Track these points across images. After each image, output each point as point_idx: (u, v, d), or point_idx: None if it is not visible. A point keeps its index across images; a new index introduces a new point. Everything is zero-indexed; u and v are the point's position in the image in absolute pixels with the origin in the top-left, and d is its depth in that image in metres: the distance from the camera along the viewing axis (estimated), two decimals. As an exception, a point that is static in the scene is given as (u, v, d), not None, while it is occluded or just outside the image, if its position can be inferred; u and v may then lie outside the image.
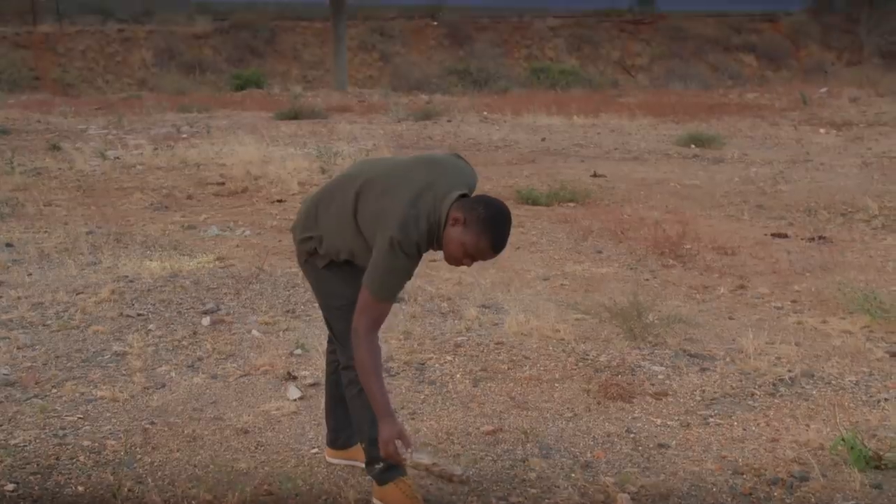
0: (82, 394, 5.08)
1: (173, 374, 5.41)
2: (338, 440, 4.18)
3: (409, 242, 3.37)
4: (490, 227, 3.35)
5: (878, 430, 4.55)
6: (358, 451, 4.00)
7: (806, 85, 28.51)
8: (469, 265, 3.47)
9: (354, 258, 3.63)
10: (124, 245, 8.58)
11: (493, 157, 13.92)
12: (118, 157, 14.04)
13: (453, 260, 3.46)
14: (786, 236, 9.20)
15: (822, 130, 17.79)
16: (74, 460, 4.25)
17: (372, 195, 3.50)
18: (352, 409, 3.85)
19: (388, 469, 3.74)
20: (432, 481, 4.01)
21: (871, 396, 5.03)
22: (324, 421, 4.31)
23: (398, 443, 3.49)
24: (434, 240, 3.44)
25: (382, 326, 3.55)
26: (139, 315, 6.46)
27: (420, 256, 3.45)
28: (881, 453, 4.11)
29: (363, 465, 3.93)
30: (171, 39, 38.93)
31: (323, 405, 4.33)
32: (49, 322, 6.27)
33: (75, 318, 6.36)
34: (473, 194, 3.55)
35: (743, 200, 11.08)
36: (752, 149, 15.64)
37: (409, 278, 3.47)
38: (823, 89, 25.47)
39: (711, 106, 22.34)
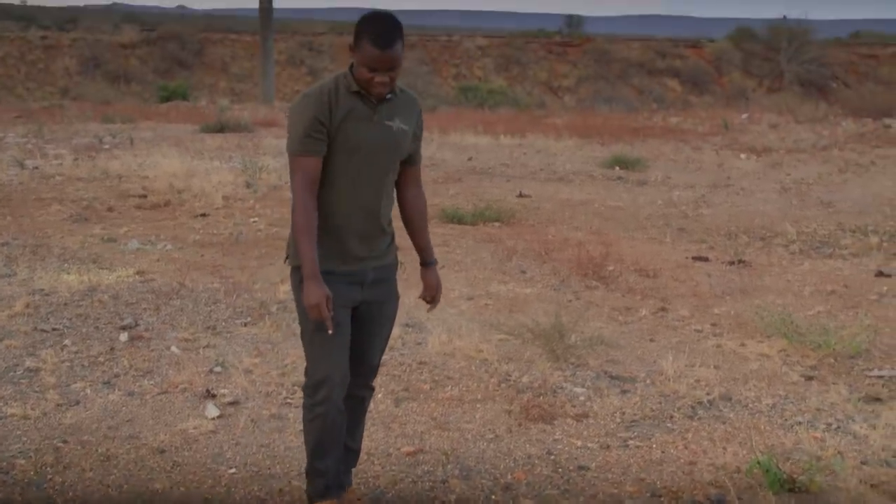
0: (-8, 411, 4.95)
1: (88, 390, 5.29)
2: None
3: (304, 96, 3.49)
4: (364, 27, 3.40)
5: (793, 453, 4.63)
6: None
7: (728, 110, 29.04)
8: (383, 80, 3.44)
9: None
10: (41, 257, 8.39)
11: (419, 174, 13.81)
12: (37, 167, 13.75)
13: (368, 85, 3.46)
14: (706, 259, 9.33)
15: (742, 156, 18.11)
16: (-18, 480, 4.13)
17: None
18: (304, 432, 3.82)
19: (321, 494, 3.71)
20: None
21: (786, 420, 5.11)
22: (242, 440, 4.25)
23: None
24: (337, 91, 3.48)
25: None
26: (54, 329, 6.32)
27: (319, 107, 3.45)
28: (795, 476, 4.17)
29: None
30: (96, 48, 38.37)
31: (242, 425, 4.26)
32: (-40, 336, 6.10)
33: (-13, 332, 6.20)
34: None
35: (665, 223, 11.23)
36: (675, 172, 15.87)
37: (308, 125, 3.44)
38: (745, 115, 25.95)
39: (636, 129, 22.64)
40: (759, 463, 4.24)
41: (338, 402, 3.65)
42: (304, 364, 3.68)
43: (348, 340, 3.64)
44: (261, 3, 32.84)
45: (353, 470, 4.02)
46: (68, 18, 47.53)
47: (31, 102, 28.82)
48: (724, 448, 4.68)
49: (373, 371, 3.89)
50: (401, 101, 3.62)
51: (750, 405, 5.32)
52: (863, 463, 4.52)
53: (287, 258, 3.69)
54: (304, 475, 3.84)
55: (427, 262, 3.92)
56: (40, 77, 36.77)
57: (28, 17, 44.52)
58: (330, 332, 3.47)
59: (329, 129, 3.46)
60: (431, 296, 3.93)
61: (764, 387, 5.63)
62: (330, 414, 3.65)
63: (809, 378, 5.82)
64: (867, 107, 27.03)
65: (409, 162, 3.73)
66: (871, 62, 46.83)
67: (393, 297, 3.82)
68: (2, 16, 41.82)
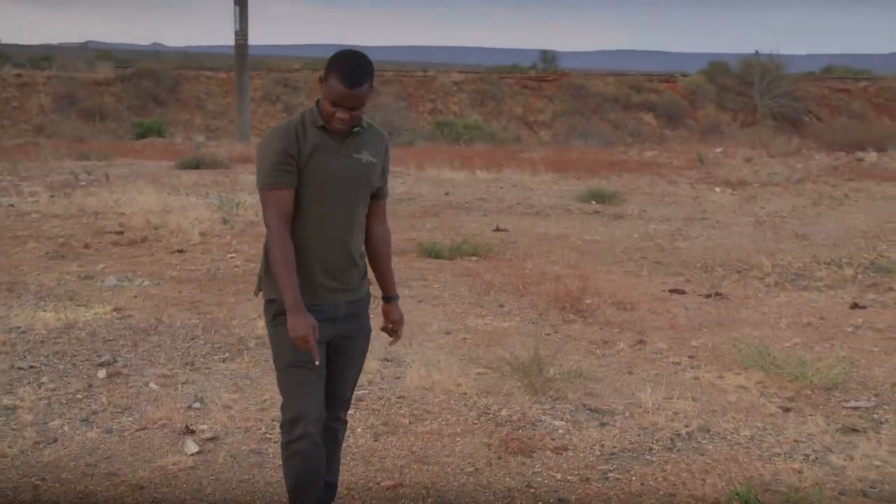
0: (-31, 449, 4.91)
1: (66, 428, 5.26)
2: None
3: (271, 132, 3.56)
4: (335, 64, 3.48)
5: (771, 484, 4.65)
6: None
7: (702, 144, 29.27)
8: (343, 117, 3.51)
9: None
10: (17, 295, 8.35)
11: (395, 210, 13.91)
12: (12, 205, 13.70)
13: (328, 118, 3.53)
14: (683, 292, 9.38)
15: (717, 189, 18.25)
16: (-42, 519, 4.09)
17: None
18: (283, 470, 3.80)
19: None
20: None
21: (764, 451, 5.14)
22: (221, 476, 4.24)
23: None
24: (304, 125, 3.55)
25: None
26: (31, 367, 6.28)
27: (287, 140, 3.51)
28: (774, 507, 4.20)
29: None
30: (70, 85, 38.26)
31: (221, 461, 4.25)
32: (-65, 374, 6.06)
33: (-37, 370, 6.16)
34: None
35: (642, 256, 11.29)
36: (650, 206, 15.96)
37: (277, 158, 3.49)
38: (719, 149, 26.13)
39: (611, 163, 22.75)
40: (737, 494, 4.26)
41: (315, 439, 3.64)
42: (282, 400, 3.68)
43: (324, 376, 3.66)
44: (236, 39, 32.91)
45: (332, 504, 4.01)
46: (42, 56, 47.36)
47: (5, 140, 28.67)
48: (703, 480, 4.70)
49: (345, 404, 3.91)
50: (368, 134, 3.68)
51: (728, 437, 5.35)
52: (841, 494, 4.55)
53: (260, 290, 3.70)
54: None
55: (389, 298, 3.93)
56: (15, 115, 36.61)
57: (2, 55, 44.36)
58: (317, 362, 3.49)
59: (298, 162, 3.50)
60: (394, 330, 3.95)
61: (742, 418, 5.66)
62: (308, 451, 3.63)
63: (787, 410, 5.86)
64: (840, 140, 27.32)
65: (377, 196, 3.78)
66: (843, 96, 47.34)
67: (365, 331, 3.85)
68: (-24, 54, 41.72)
